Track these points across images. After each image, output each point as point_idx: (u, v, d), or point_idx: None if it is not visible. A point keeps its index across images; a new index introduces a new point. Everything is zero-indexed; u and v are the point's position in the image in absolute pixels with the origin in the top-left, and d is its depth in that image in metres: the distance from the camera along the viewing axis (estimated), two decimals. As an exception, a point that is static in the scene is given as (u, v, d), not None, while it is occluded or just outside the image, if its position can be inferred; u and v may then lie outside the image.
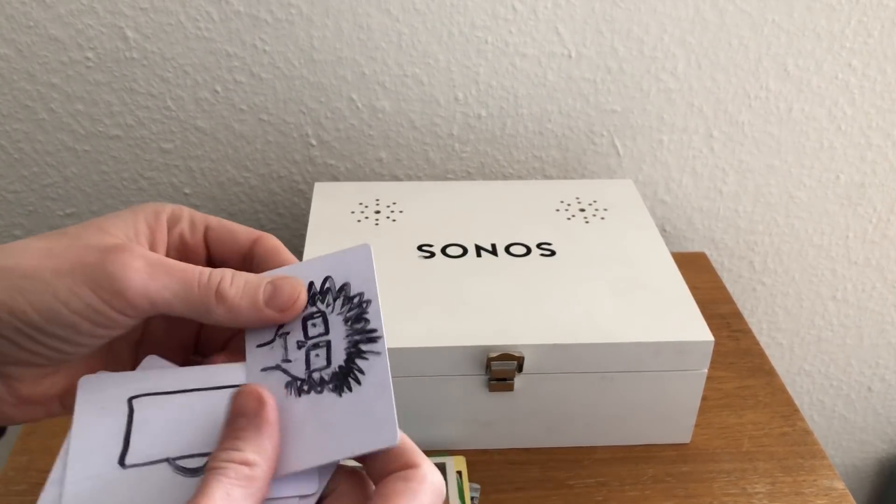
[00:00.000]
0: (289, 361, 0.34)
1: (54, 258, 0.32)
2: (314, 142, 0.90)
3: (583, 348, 0.63)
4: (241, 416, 0.31)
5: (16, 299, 0.31)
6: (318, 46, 0.84)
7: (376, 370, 0.33)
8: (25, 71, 0.83)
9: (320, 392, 0.33)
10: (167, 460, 0.32)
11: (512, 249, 0.73)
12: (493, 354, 0.63)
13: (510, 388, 0.65)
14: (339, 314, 0.35)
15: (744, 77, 0.89)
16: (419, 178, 0.93)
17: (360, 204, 0.80)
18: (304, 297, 0.35)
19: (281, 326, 0.35)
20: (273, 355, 0.34)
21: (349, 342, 0.34)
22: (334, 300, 0.35)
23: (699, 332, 0.64)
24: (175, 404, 0.33)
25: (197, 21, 0.81)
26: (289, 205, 0.94)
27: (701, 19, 0.85)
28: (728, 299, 0.87)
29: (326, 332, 0.34)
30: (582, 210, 0.80)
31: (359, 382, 0.33)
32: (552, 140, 0.92)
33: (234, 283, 0.33)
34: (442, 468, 0.65)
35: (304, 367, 0.34)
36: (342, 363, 0.33)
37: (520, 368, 0.64)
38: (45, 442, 0.68)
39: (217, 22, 0.82)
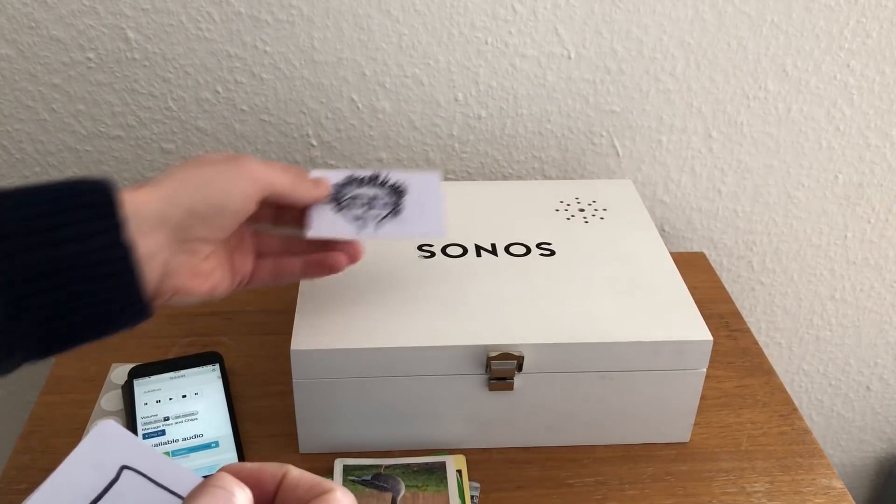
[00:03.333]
0: (377, 216, 0.60)
1: (213, 167, 0.51)
2: (315, 142, 0.90)
3: (582, 348, 0.63)
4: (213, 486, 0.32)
5: (204, 193, 0.50)
6: (319, 47, 0.84)
7: (398, 176, 0.62)
8: (27, 71, 0.83)
9: (401, 202, 0.60)
10: None
11: (512, 249, 0.74)
12: (493, 354, 0.63)
13: (510, 388, 0.65)
14: (358, 190, 0.61)
15: (742, 78, 0.89)
16: (419, 179, 0.93)
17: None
18: (327, 185, 0.60)
19: (351, 215, 0.59)
20: (367, 223, 0.59)
21: (377, 188, 0.61)
22: (349, 189, 0.61)
23: (698, 331, 0.65)
24: (147, 490, 0.33)
25: (198, 22, 0.82)
26: (289, 205, 0.94)
27: (700, 20, 0.85)
28: (727, 299, 0.88)
29: (366, 197, 0.60)
30: (581, 210, 0.80)
31: (402, 185, 0.62)
32: (552, 140, 0.92)
33: (301, 177, 0.57)
34: (442, 467, 0.65)
35: (385, 208, 0.60)
36: (389, 192, 0.61)
37: (520, 368, 0.64)
38: (46, 441, 0.68)
39: (218, 23, 0.82)
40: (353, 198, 0.60)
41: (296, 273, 0.60)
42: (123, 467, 0.34)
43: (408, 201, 0.60)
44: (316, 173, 0.60)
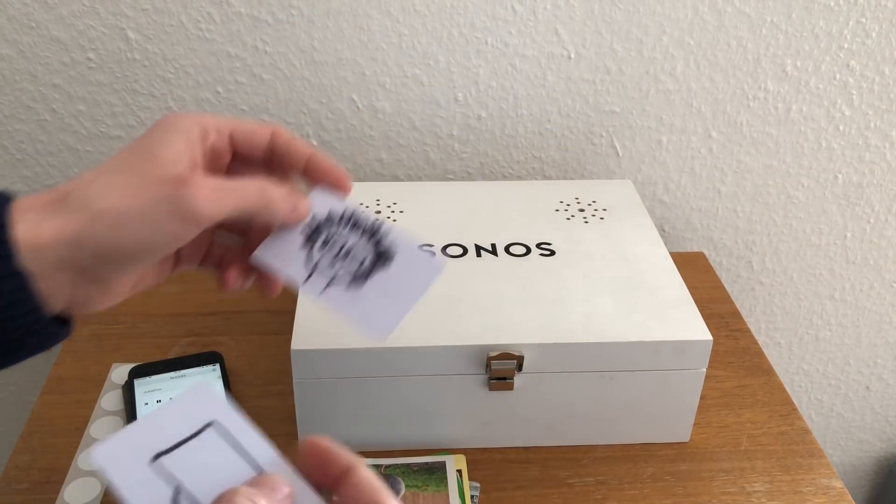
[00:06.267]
0: (335, 275, 0.47)
1: (135, 197, 0.40)
2: (315, 142, 0.90)
3: (582, 347, 0.63)
4: (265, 486, 0.33)
5: (117, 237, 0.39)
6: (319, 47, 0.84)
7: (397, 238, 0.48)
8: (27, 72, 0.83)
9: (375, 273, 0.47)
10: (176, 486, 0.35)
11: (512, 249, 0.74)
12: (493, 353, 0.63)
13: (510, 388, 0.65)
14: (343, 228, 0.48)
15: (742, 78, 0.89)
16: (419, 179, 0.93)
17: (361, 204, 0.80)
18: (308, 207, 0.48)
19: (311, 258, 0.47)
20: (321, 275, 0.48)
21: (364, 240, 0.48)
22: (330, 227, 0.48)
23: (698, 331, 0.65)
24: (223, 451, 0.36)
25: (198, 22, 0.82)
26: (289, 205, 0.94)
27: (700, 20, 0.85)
28: (726, 299, 0.88)
29: (343, 244, 0.48)
30: (581, 210, 0.80)
31: (393, 252, 0.48)
32: (552, 140, 0.92)
33: (275, 193, 0.44)
34: (442, 467, 0.65)
35: (352, 268, 0.48)
36: (372, 253, 0.48)
37: (519, 367, 0.64)
38: (46, 441, 0.68)
39: (218, 23, 0.82)
40: (329, 238, 0.48)
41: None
42: (208, 424, 0.36)
43: (382, 277, 0.48)
44: (315, 194, 0.48)
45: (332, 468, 0.35)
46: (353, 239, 0.48)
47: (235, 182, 0.42)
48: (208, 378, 0.72)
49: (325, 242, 0.48)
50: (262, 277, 0.49)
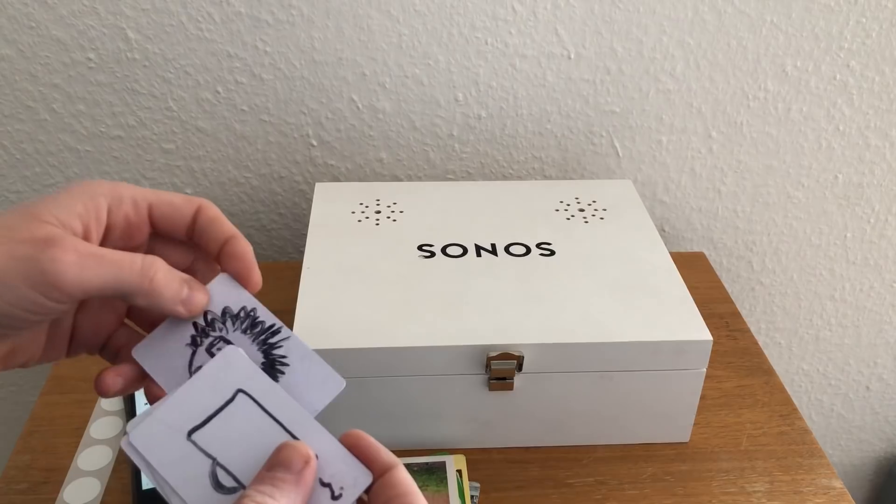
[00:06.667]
0: None
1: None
2: (315, 142, 0.90)
3: (582, 347, 0.63)
4: (283, 468, 0.34)
5: None
6: (319, 47, 0.84)
7: (294, 349, 0.40)
8: (27, 72, 0.83)
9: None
10: (213, 460, 0.36)
11: (512, 249, 0.74)
12: (493, 354, 0.63)
13: (510, 388, 0.65)
14: (235, 331, 0.40)
15: (742, 78, 0.89)
16: (419, 179, 0.93)
17: (361, 204, 0.80)
18: (206, 301, 0.40)
19: (192, 365, 0.40)
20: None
21: (258, 344, 0.40)
22: (223, 324, 0.40)
23: (698, 331, 0.65)
24: (255, 417, 0.37)
25: (198, 22, 0.82)
26: (290, 205, 0.94)
27: (700, 20, 0.85)
28: (727, 299, 0.88)
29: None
30: (581, 210, 0.80)
31: (286, 365, 0.40)
32: (552, 140, 0.92)
33: (161, 275, 0.37)
34: (442, 467, 0.65)
35: None
36: (263, 361, 0.40)
37: (519, 367, 0.64)
38: (46, 441, 0.68)
39: (218, 23, 0.82)
40: (216, 343, 0.40)
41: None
42: (239, 390, 0.37)
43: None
44: (217, 282, 0.41)
45: (372, 464, 0.36)
46: (242, 343, 0.40)
47: (117, 253, 0.36)
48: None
49: (211, 347, 0.40)
50: (150, 382, 0.40)
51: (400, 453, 0.67)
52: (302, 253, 0.75)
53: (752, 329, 1.05)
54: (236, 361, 0.38)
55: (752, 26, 0.86)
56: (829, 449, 1.23)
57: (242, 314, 0.40)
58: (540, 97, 0.89)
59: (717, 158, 0.94)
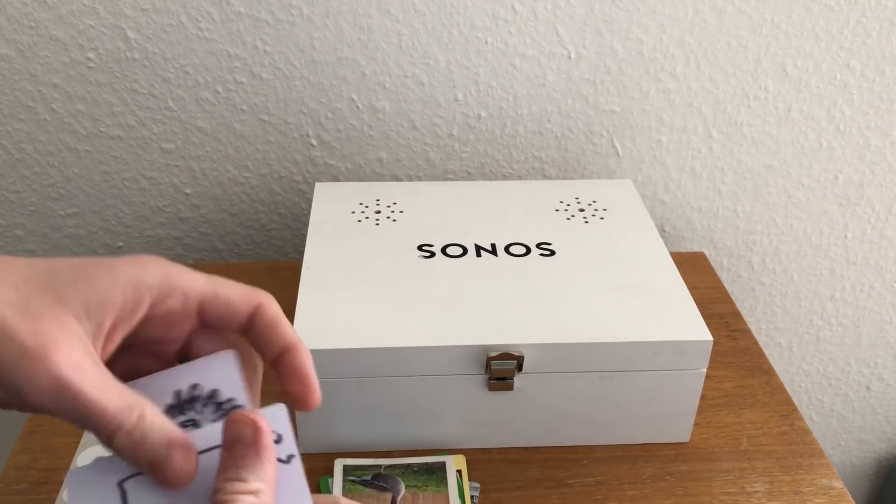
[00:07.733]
0: None
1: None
2: (315, 142, 0.90)
3: (582, 348, 0.63)
4: (238, 443, 0.32)
5: None
6: (319, 47, 0.84)
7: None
8: (27, 71, 0.83)
9: None
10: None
11: (512, 249, 0.74)
12: (493, 354, 0.63)
13: (510, 388, 0.65)
14: (211, 420, 0.35)
15: (743, 78, 0.89)
16: (419, 179, 0.93)
17: (361, 204, 0.80)
18: (188, 479, 0.33)
19: None
20: None
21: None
22: (204, 407, 0.35)
23: (698, 331, 0.65)
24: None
25: (198, 22, 0.82)
26: (289, 205, 0.94)
27: (700, 20, 0.85)
28: (727, 299, 0.88)
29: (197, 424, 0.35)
30: (581, 210, 0.80)
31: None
32: (552, 140, 0.92)
33: (137, 430, 0.32)
34: (442, 467, 0.65)
35: None
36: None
37: (519, 368, 0.64)
38: (46, 441, 0.68)
39: (218, 23, 0.82)
40: (191, 422, 0.35)
41: None
42: (121, 482, 0.33)
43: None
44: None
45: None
46: (206, 423, 0.35)
47: (105, 394, 0.31)
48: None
49: (189, 424, 0.35)
50: None
51: (400, 454, 0.67)
52: (302, 253, 0.75)
53: (753, 329, 1.05)
54: (89, 473, 0.33)
55: (752, 26, 0.86)
56: (830, 449, 1.23)
57: (227, 406, 0.35)
58: (540, 97, 0.89)
59: (718, 158, 0.94)
